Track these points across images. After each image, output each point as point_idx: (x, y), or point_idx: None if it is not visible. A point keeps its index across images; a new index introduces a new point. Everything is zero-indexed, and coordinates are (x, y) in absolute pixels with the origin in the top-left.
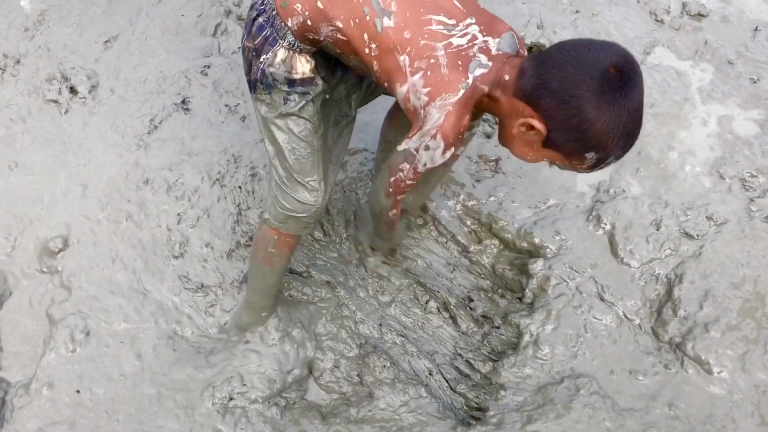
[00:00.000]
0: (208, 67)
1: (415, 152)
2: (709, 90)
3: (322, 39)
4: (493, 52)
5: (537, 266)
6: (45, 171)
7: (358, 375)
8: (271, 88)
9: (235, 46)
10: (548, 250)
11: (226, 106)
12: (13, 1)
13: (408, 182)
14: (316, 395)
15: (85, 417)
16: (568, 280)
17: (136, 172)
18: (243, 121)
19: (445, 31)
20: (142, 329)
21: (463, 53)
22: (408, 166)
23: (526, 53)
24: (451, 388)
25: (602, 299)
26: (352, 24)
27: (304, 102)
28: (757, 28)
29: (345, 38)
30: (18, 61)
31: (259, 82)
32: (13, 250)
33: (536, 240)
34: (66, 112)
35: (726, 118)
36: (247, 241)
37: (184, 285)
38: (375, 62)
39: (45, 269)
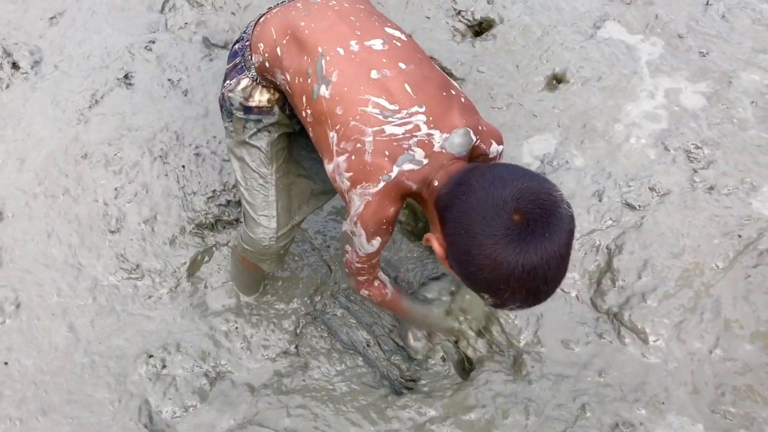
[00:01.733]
0: (153, 42)
1: (350, 234)
2: (658, 63)
3: (277, 83)
4: (436, 148)
5: None
6: None
7: (295, 347)
8: (231, 115)
9: (182, 21)
10: None
11: (169, 80)
12: None
13: (357, 265)
14: (249, 367)
15: (11, 388)
16: None
17: (75, 146)
18: (185, 95)
19: (380, 117)
20: (76, 304)
21: (395, 143)
22: (350, 248)
23: (491, 152)
24: (387, 359)
25: None
26: (296, 81)
27: (256, 130)
28: (708, 2)
29: (291, 92)
30: None
31: (221, 108)
32: None
33: None
34: (7, 87)
35: (673, 91)
36: (193, 228)
37: (120, 264)
38: (310, 129)
39: None
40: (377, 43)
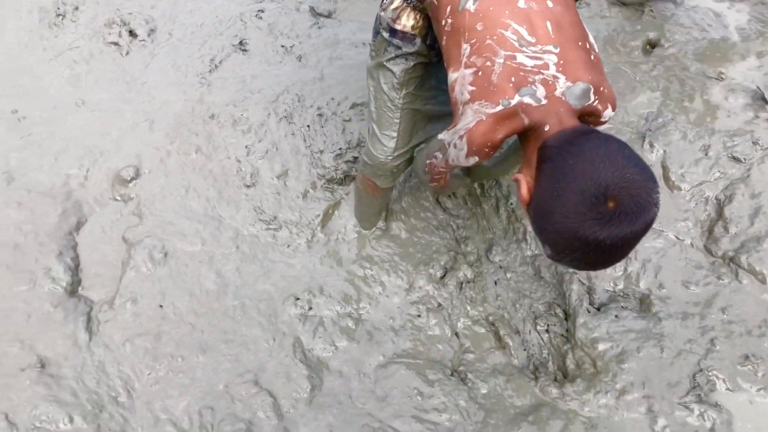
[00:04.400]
0: (262, 11)
1: (446, 146)
2: (747, 29)
3: None
4: (557, 92)
5: None
6: (111, 108)
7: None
8: (377, 34)
9: None
10: None
11: (282, 46)
12: None
13: (440, 169)
14: (389, 310)
15: (169, 329)
16: None
17: (201, 107)
18: (299, 60)
19: (516, 44)
20: (221, 252)
21: (522, 73)
22: (440, 156)
23: (604, 115)
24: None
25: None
26: None
27: (394, 55)
28: None
29: (436, 2)
30: (76, 8)
31: (374, 27)
32: (86, 180)
33: None
34: (127, 53)
35: (764, 54)
36: (324, 184)
37: (258, 216)
38: (444, 38)
39: (118, 197)
40: None
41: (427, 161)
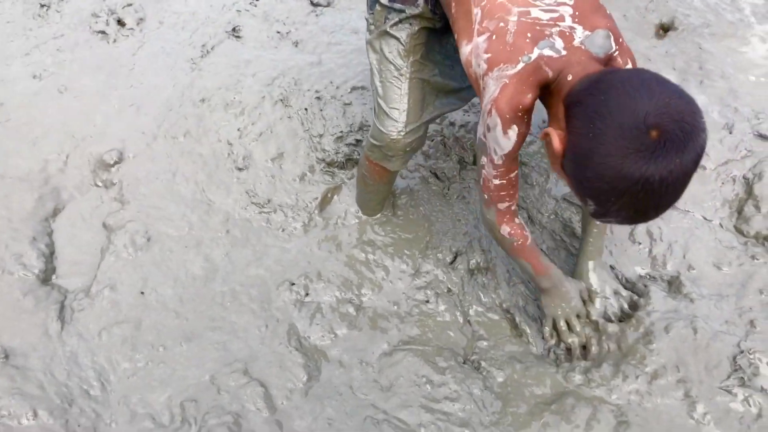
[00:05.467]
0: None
1: (484, 139)
2: (764, 12)
3: None
4: (575, 43)
5: None
6: (96, 94)
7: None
8: (373, 5)
9: None
10: None
11: (278, 32)
12: None
13: (494, 181)
14: (393, 296)
15: (151, 317)
16: None
17: (191, 92)
18: (296, 46)
19: None
20: (210, 236)
21: (538, 27)
22: (485, 159)
23: (622, 61)
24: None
25: (674, 207)
26: None
27: (398, 20)
28: None
29: None
30: None
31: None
32: (66, 166)
33: None
34: (114, 41)
35: None
36: (323, 167)
37: (251, 199)
38: (453, 4)
39: (99, 183)
40: None
41: (480, 183)
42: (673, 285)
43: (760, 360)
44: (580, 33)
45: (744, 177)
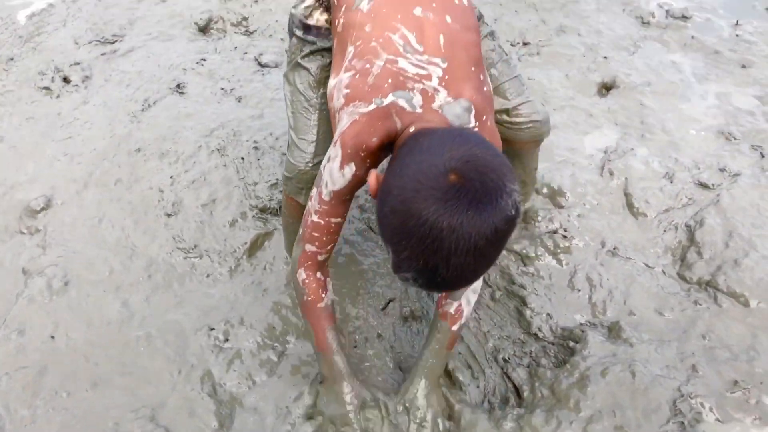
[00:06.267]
0: (205, 60)
1: (322, 170)
2: (704, 73)
3: None
4: (434, 105)
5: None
6: (31, 144)
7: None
8: (291, 35)
9: (231, 46)
10: (564, 199)
11: (222, 89)
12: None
13: (313, 217)
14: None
15: (58, 361)
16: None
17: (127, 142)
18: (239, 101)
19: (401, 48)
20: (130, 281)
21: (401, 78)
22: (315, 191)
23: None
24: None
25: (614, 254)
26: None
27: (309, 51)
28: (737, 22)
29: (336, 1)
30: (11, 59)
31: (288, 30)
32: None
33: (555, 187)
34: (58, 97)
35: (724, 94)
36: (256, 214)
37: (177, 245)
38: (336, 39)
39: (24, 230)
40: None
41: (306, 209)
42: (613, 331)
43: (703, 405)
44: (442, 97)
45: (686, 224)
